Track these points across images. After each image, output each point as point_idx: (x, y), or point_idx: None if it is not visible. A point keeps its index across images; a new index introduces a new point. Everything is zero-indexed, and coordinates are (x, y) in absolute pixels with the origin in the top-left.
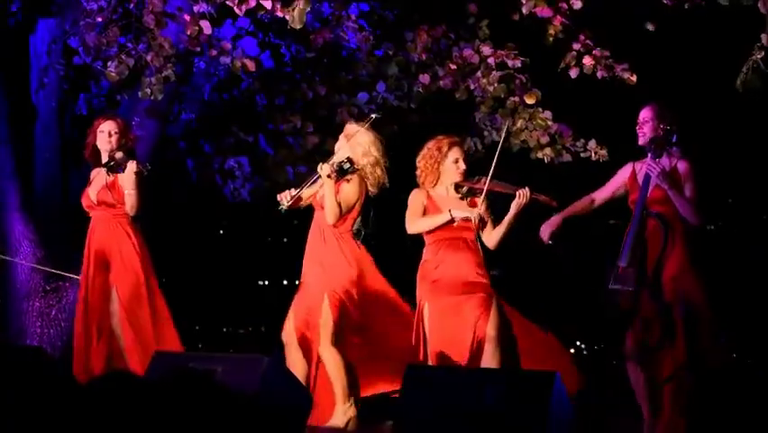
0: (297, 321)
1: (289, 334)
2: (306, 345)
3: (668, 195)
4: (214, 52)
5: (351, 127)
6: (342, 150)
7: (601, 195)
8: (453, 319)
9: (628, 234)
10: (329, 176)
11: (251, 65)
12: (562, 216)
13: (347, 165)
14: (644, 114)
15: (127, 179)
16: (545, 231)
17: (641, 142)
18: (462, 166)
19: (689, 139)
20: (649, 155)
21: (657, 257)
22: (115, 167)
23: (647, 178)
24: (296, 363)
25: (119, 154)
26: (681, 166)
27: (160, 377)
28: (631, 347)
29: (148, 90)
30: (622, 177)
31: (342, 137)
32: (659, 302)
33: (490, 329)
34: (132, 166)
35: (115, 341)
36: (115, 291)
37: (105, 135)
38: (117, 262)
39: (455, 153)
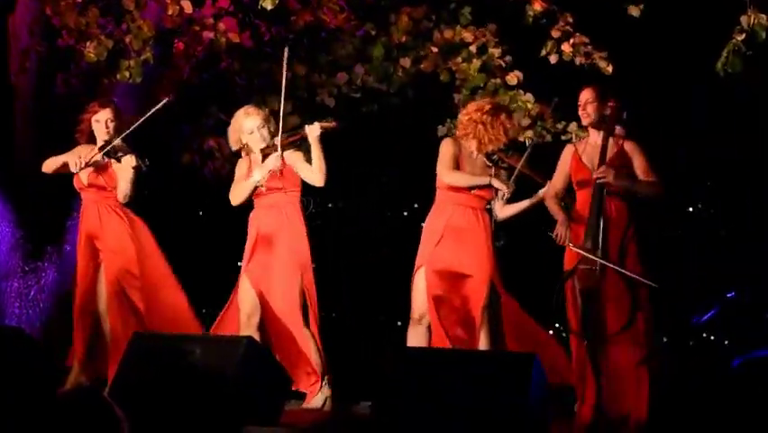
0: (263, 301)
1: (252, 313)
2: (270, 325)
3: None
4: (197, 28)
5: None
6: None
7: (559, 186)
8: (448, 296)
9: (591, 218)
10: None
11: (234, 37)
12: (567, 217)
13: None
14: (586, 95)
15: (125, 171)
16: (563, 233)
17: (585, 122)
18: (504, 138)
19: (631, 119)
20: (598, 132)
21: (621, 238)
22: (113, 154)
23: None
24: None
25: (117, 142)
26: (629, 147)
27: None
28: (594, 327)
29: (126, 73)
30: (565, 162)
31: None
32: (626, 282)
33: (478, 314)
34: (131, 160)
35: (101, 323)
36: (103, 273)
37: (103, 126)
38: (106, 243)
39: (507, 124)
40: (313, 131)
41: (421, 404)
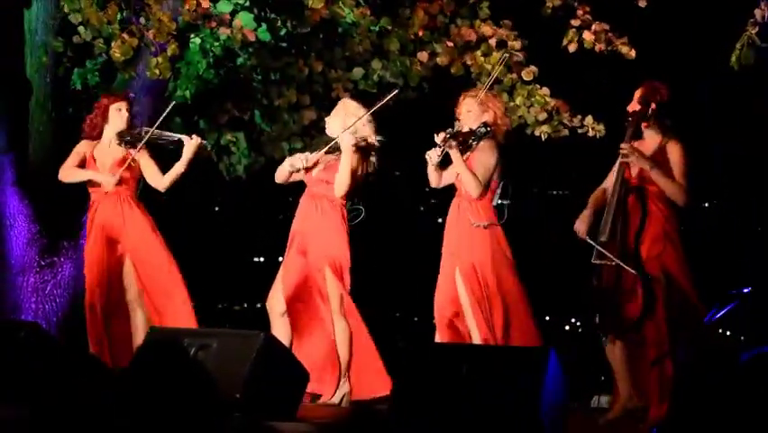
0: (288, 291)
1: (276, 303)
2: (295, 317)
3: (644, 171)
4: (214, 24)
5: (350, 103)
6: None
7: (610, 182)
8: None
9: (608, 210)
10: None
11: (250, 35)
12: (592, 210)
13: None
14: (635, 95)
15: (188, 151)
16: (581, 227)
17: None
18: None
19: (677, 117)
20: (651, 130)
21: (637, 231)
22: (133, 142)
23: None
24: (279, 334)
25: (136, 130)
26: (672, 147)
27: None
28: (613, 323)
29: (156, 71)
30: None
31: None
32: (641, 276)
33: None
34: (195, 140)
35: (128, 316)
36: (131, 265)
37: (124, 114)
38: (130, 236)
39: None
40: (345, 140)
41: (438, 399)
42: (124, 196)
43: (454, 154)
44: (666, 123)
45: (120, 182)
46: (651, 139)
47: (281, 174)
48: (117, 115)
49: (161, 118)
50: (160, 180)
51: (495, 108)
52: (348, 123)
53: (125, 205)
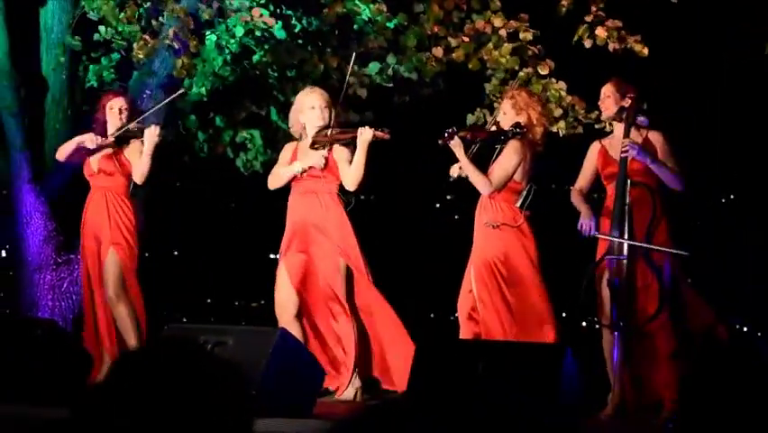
0: (298, 288)
1: (283, 311)
2: (308, 316)
3: (646, 166)
4: (232, 14)
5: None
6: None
7: (584, 182)
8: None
9: (616, 205)
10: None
11: (270, 21)
12: (590, 208)
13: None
14: (604, 90)
15: (148, 142)
16: (588, 225)
17: (603, 116)
18: None
19: (656, 111)
20: (622, 125)
21: (647, 225)
22: (124, 140)
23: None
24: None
25: (133, 125)
26: (654, 137)
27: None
28: (629, 318)
29: (183, 71)
30: (592, 157)
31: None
32: (654, 269)
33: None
34: (155, 130)
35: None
36: (110, 260)
37: (116, 112)
38: (110, 232)
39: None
40: (364, 135)
41: (453, 396)
42: (114, 190)
43: (458, 152)
44: (640, 115)
45: (111, 175)
46: (634, 133)
47: (279, 181)
48: (110, 113)
49: (154, 109)
50: (135, 175)
51: (529, 110)
52: (309, 117)
53: (109, 199)
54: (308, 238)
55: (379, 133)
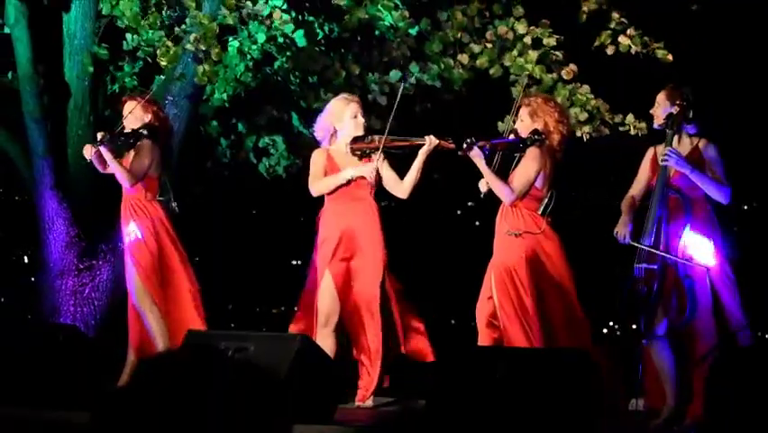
0: (343, 296)
1: (332, 314)
2: (352, 328)
3: (687, 176)
4: (254, 19)
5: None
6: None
7: (638, 189)
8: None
9: (651, 213)
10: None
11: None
12: (629, 216)
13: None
14: (657, 97)
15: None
16: (623, 232)
17: (655, 125)
18: None
19: (710, 119)
20: (667, 132)
21: (680, 234)
22: (125, 145)
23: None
24: (327, 345)
25: (127, 130)
26: (705, 149)
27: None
28: (659, 326)
29: (205, 78)
30: (646, 164)
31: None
32: (686, 278)
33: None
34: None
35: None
36: (132, 269)
37: (130, 115)
38: (130, 240)
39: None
40: (430, 144)
41: (474, 401)
42: (132, 201)
43: (479, 163)
44: (693, 119)
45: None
46: (685, 141)
47: (327, 189)
48: (128, 117)
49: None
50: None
51: (546, 116)
52: (350, 125)
53: (127, 207)
54: (353, 246)
55: (445, 144)
